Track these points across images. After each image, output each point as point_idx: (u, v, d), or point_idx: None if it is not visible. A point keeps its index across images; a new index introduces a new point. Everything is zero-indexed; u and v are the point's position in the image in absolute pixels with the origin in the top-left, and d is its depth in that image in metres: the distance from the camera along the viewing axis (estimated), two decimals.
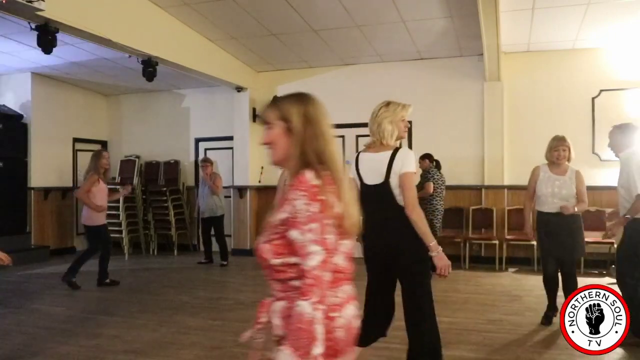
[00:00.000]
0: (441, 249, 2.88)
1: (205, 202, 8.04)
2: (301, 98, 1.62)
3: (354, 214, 1.56)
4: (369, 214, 2.87)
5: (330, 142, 1.58)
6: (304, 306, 1.39)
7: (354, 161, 3.11)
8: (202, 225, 8.40)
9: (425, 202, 6.82)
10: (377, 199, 2.92)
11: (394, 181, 2.88)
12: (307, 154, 1.53)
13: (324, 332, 1.41)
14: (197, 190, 8.44)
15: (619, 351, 3.75)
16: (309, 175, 1.48)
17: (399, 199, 2.88)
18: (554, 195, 4.49)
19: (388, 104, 3.08)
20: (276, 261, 1.50)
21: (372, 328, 3.00)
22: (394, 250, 2.89)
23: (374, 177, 2.96)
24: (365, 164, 3.05)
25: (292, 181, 1.52)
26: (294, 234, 1.45)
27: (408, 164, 2.88)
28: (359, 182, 3.02)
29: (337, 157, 1.58)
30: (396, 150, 2.93)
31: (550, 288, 4.67)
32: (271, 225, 1.54)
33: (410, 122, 8.65)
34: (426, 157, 7.19)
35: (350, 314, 1.58)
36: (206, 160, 8.30)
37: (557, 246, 4.53)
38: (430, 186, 6.87)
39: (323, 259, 1.43)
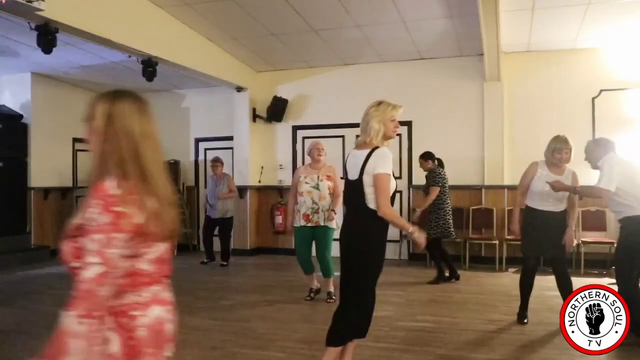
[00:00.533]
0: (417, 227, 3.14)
1: (219, 203, 7.98)
2: (110, 95, 1.54)
3: (168, 219, 1.51)
4: (346, 207, 3.28)
5: (143, 145, 1.49)
6: (67, 318, 1.35)
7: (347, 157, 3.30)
8: (207, 224, 8.31)
9: (437, 205, 6.50)
10: (351, 195, 3.15)
11: (366, 180, 3.00)
12: (108, 157, 1.46)
13: (126, 334, 1.43)
14: (208, 188, 8.30)
15: (620, 351, 3.74)
16: (108, 184, 1.42)
17: (369, 198, 3.00)
18: (550, 195, 4.47)
19: (379, 103, 3.13)
20: (75, 264, 1.46)
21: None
22: (348, 241, 3.12)
23: (353, 174, 3.11)
24: (350, 160, 3.21)
25: (91, 188, 1.45)
26: (83, 241, 1.41)
27: (382, 165, 2.97)
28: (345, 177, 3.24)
29: (153, 161, 1.50)
30: (373, 150, 3.02)
31: (528, 284, 4.67)
32: (71, 228, 1.50)
33: (410, 122, 8.75)
34: (428, 157, 6.76)
35: (157, 315, 1.57)
36: (217, 160, 8.23)
37: (547, 243, 4.53)
38: (436, 191, 6.48)
39: (99, 273, 1.38)
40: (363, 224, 3.06)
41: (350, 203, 3.21)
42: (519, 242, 7.45)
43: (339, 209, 5.34)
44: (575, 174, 4.59)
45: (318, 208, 5.38)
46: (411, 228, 3.07)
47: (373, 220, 3.01)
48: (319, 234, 5.45)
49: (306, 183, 5.44)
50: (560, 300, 4.67)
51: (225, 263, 8.03)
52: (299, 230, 5.48)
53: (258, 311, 5.24)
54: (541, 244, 4.55)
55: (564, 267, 4.59)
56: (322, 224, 5.39)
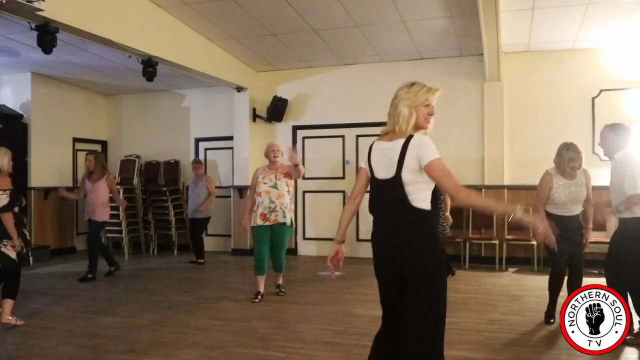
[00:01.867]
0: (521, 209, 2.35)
1: (194, 202, 8.13)
2: None
3: None
4: (378, 213, 2.55)
5: None
6: None
7: (367, 150, 2.67)
8: (190, 225, 8.50)
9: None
10: (387, 197, 2.50)
11: (407, 176, 2.43)
12: None
13: None
14: (189, 190, 8.49)
15: (619, 351, 3.75)
16: None
17: (412, 198, 2.43)
18: (573, 201, 4.58)
19: (412, 84, 2.64)
20: None
21: (384, 348, 2.61)
22: (400, 257, 2.46)
23: (384, 170, 2.52)
24: (377, 154, 2.59)
25: None
26: None
27: (428, 152, 2.41)
28: (369, 175, 2.62)
29: None
30: (409, 138, 2.46)
31: (559, 287, 4.71)
32: None
33: None
34: None
35: None
36: (199, 161, 8.57)
37: (571, 244, 4.61)
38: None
39: None
40: (419, 227, 2.44)
41: (384, 208, 2.53)
42: (519, 242, 7.58)
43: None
44: (587, 171, 4.67)
45: (275, 206, 5.54)
46: (509, 207, 2.41)
47: (429, 222, 2.46)
48: (276, 232, 5.60)
49: (264, 183, 5.62)
50: (560, 300, 4.67)
51: (198, 261, 8.17)
52: (258, 230, 5.59)
53: (258, 311, 5.24)
54: (568, 247, 4.59)
55: (582, 264, 4.68)
56: (280, 221, 5.54)
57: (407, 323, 2.42)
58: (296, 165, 5.62)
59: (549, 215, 4.60)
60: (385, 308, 2.62)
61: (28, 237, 5.11)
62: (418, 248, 2.42)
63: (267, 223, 5.54)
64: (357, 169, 2.76)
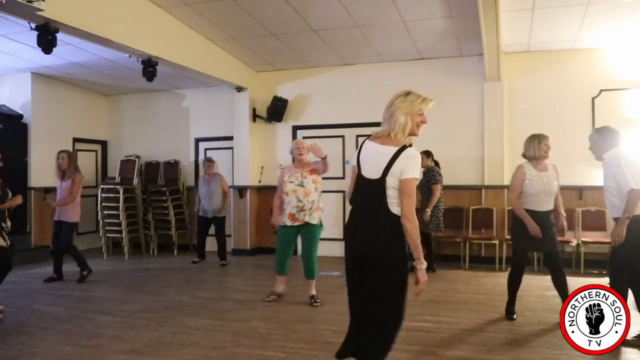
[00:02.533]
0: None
1: (212, 201, 8.05)
2: None
3: None
4: (357, 208, 2.79)
5: None
6: None
7: (358, 148, 2.87)
8: (202, 224, 8.35)
9: (423, 202, 6.99)
10: (368, 195, 2.72)
11: (390, 181, 2.65)
12: None
13: None
14: (198, 189, 8.39)
15: (619, 351, 3.75)
16: None
17: (390, 202, 2.66)
18: (545, 193, 4.62)
19: (407, 93, 2.78)
20: None
21: (348, 339, 2.91)
22: (371, 251, 2.70)
23: (371, 171, 2.71)
24: (367, 153, 2.78)
25: None
26: None
27: (411, 169, 2.64)
28: (357, 171, 2.81)
29: None
30: (402, 148, 2.66)
31: (518, 281, 4.84)
32: None
33: None
34: (429, 154, 7.21)
35: None
36: (211, 159, 8.41)
37: (541, 242, 4.65)
38: (439, 188, 7.02)
39: None
40: (390, 229, 2.68)
41: (367, 205, 2.75)
42: None
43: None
44: (557, 168, 4.76)
45: (303, 206, 5.40)
46: (422, 257, 2.72)
47: (398, 226, 2.67)
48: (305, 231, 5.48)
49: (290, 182, 5.47)
50: (559, 300, 4.68)
51: (225, 262, 8.05)
52: (285, 230, 5.51)
53: (258, 311, 5.24)
54: (535, 243, 4.67)
55: (558, 260, 4.73)
56: (309, 220, 5.42)
57: (368, 311, 2.75)
58: (324, 158, 5.39)
59: (529, 213, 4.67)
60: (350, 298, 2.88)
61: (7, 230, 5.12)
62: (386, 244, 2.69)
63: (295, 223, 5.42)
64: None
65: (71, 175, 6.74)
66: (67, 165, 6.76)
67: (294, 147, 5.60)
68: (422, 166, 7.04)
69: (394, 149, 2.66)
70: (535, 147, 4.65)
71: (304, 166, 5.55)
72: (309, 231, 5.46)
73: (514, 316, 4.81)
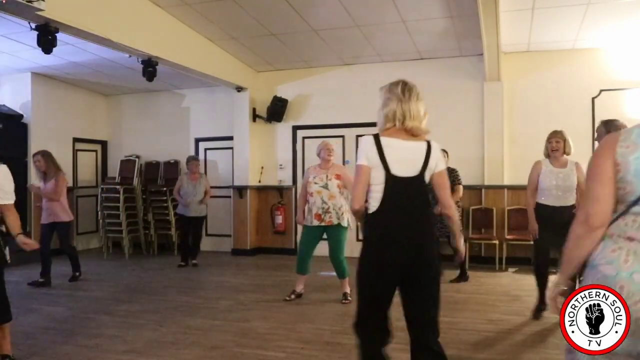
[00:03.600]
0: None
1: (196, 200, 8.01)
2: None
3: None
4: (393, 210, 2.56)
5: None
6: None
7: (373, 146, 2.59)
8: (184, 224, 8.16)
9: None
10: (407, 195, 2.58)
11: (426, 177, 2.63)
12: None
13: None
14: (181, 188, 8.13)
15: None
16: None
17: (428, 197, 2.66)
18: (558, 188, 4.66)
19: (408, 84, 2.74)
20: None
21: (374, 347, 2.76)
22: (427, 252, 2.61)
23: (406, 169, 2.57)
24: (395, 151, 2.58)
25: None
26: None
27: (443, 161, 2.72)
28: (383, 172, 2.57)
29: None
30: (429, 143, 2.67)
31: (544, 280, 4.78)
32: None
33: None
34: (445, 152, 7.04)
35: None
36: (197, 158, 8.41)
37: (559, 238, 4.57)
38: (460, 189, 6.72)
39: None
40: (432, 225, 2.74)
41: (410, 204, 2.58)
42: (519, 242, 7.57)
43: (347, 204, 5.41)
44: (579, 165, 4.71)
45: (328, 207, 5.40)
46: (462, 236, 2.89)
47: (435, 222, 2.84)
48: (331, 233, 5.47)
49: (315, 183, 5.46)
50: (560, 300, 4.67)
51: (196, 262, 8.06)
52: (309, 229, 5.49)
53: (258, 311, 5.24)
54: (551, 239, 4.64)
55: None
56: (335, 222, 5.41)
57: (428, 307, 2.75)
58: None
59: (541, 207, 4.73)
60: (378, 307, 2.70)
61: None
62: (434, 241, 2.76)
63: (322, 224, 5.42)
64: (358, 169, 2.62)
65: (54, 176, 6.60)
66: (46, 166, 6.60)
67: (323, 148, 5.58)
68: None
69: (424, 144, 2.65)
70: (546, 145, 4.84)
71: (329, 168, 5.54)
72: (335, 233, 5.46)
73: (540, 314, 4.74)
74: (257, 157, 9.22)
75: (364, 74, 8.59)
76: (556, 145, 4.72)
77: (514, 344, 4.14)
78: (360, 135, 9.56)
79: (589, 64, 7.66)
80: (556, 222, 4.53)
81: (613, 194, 1.77)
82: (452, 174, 6.84)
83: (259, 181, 9.24)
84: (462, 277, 6.63)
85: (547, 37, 7.29)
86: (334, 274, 5.76)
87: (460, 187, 6.80)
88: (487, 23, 6.21)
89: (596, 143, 7.39)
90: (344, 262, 5.53)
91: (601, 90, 7.58)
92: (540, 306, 4.79)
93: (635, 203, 1.71)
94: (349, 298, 5.48)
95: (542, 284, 4.82)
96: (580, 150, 7.69)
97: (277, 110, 8.90)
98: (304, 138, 9.13)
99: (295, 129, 9.14)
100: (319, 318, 4.95)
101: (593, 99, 7.63)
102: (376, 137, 2.61)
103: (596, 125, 7.44)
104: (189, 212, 8.05)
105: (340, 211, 5.42)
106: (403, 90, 2.66)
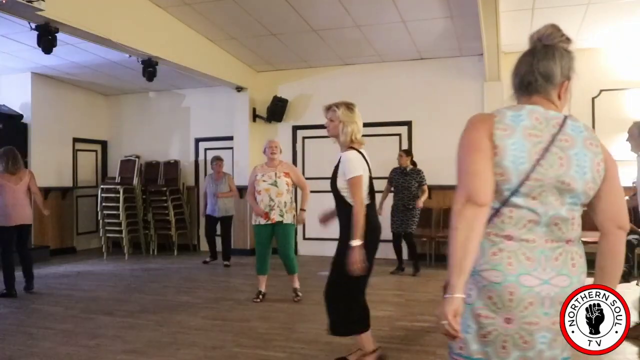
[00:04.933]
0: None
1: (221, 201, 8.01)
2: None
3: None
4: (373, 204, 3.51)
5: None
6: None
7: (361, 159, 3.44)
8: (210, 224, 8.26)
9: (414, 202, 7.02)
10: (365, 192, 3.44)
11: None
12: None
13: None
14: (205, 188, 8.26)
15: (619, 351, 3.74)
16: None
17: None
18: None
19: (350, 105, 3.74)
20: None
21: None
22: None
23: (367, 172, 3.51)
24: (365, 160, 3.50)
25: None
26: None
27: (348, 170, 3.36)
28: (367, 176, 3.43)
29: None
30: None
31: None
32: None
33: (410, 122, 8.76)
34: (409, 153, 7.33)
35: None
36: (220, 158, 8.31)
37: None
38: (426, 188, 7.18)
39: None
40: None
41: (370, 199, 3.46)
42: None
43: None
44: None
45: (274, 205, 5.44)
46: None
47: None
48: (278, 230, 5.52)
49: (264, 181, 5.53)
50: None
51: (228, 263, 8.04)
52: (258, 229, 5.54)
53: (258, 311, 5.24)
54: None
55: None
56: (278, 219, 5.46)
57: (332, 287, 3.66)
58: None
59: None
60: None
61: None
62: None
63: (268, 222, 5.48)
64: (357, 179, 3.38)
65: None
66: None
67: (267, 146, 5.67)
68: (402, 165, 7.17)
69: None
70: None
71: (277, 166, 5.61)
72: (283, 230, 5.52)
73: None
74: (257, 157, 9.19)
75: (364, 74, 8.59)
76: None
77: None
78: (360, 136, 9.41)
79: (589, 64, 7.64)
80: None
81: (492, 172, 1.57)
82: (418, 173, 7.16)
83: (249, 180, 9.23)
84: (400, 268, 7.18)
85: None
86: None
87: (426, 186, 7.15)
88: (487, 23, 6.20)
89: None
90: (294, 259, 5.65)
91: (601, 90, 7.57)
92: None
93: (512, 195, 1.56)
94: (300, 294, 5.62)
95: None
96: None
97: (277, 110, 8.90)
98: (304, 138, 9.13)
99: (296, 129, 9.14)
100: (319, 318, 4.94)
101: (593, 99, 7.62)
102: (359, 152, 3.43)
103: (597, 124, 7.50)
104: (216, 212, 8.06)
105: (285, 208, 5.49)
106: (353, 110, 3.61)
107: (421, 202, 7.06)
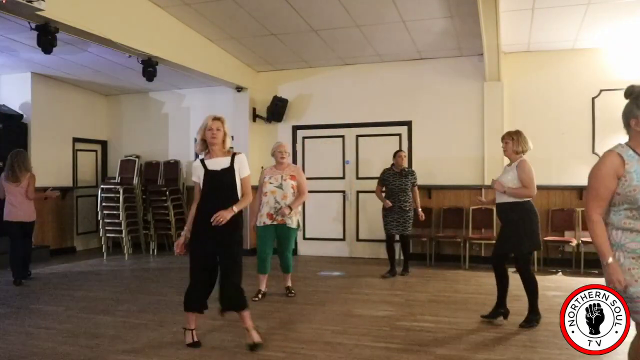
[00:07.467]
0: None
1: None
2: None
3: None
4: None
5: None
6: None
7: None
8: None
9: (411, 204, 7.00)
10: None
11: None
12: None
13: None
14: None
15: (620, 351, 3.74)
16: None
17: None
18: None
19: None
20: None
21: (201, 299, 4.11)
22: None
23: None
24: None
25: None
26: None
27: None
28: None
29: None
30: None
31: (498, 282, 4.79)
32: None
33: (410, 122, 8.74)
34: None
35: None
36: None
37: (499, 238, 4.88)
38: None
39: None
40: None
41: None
42: None
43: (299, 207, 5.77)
44: (523, 161, 4.86)
45: (280, 207, 5.51)
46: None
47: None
48: (281, 232, 5.62)
49: (270, 183, 5.61)
50: (560, 300, 4.67)
51: None
52: (262, 229, 5.61)
53: (258, 311, 5.23)
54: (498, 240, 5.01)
55: (518, 264, 4.76)
56: (285, 222, 5.55)
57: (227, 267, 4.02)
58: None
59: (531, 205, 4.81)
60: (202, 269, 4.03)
61: None
62: None
63: (273, 223, 5.54)
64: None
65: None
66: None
67: (277, 150, 5.73)
68: (401, 166, 7.08)
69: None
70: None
71: (284, 169, 5.67)
72: (286, 233, 5.63)
73: (495, 317, 4.76)
74: (257, 157, 9.21)
75: (364, 74, 8.60)
76: (504, 146, 4.91)
77: (514, 344, 4.14)
78: (360, 136, 9.61)
79: (588, 64, 7.66)
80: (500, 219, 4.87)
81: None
82: (412, 174, 7.16)
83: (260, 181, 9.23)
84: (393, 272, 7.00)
85: (547, 37, 7.29)
86: (335, 273, 5.78)
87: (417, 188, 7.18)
88: (487, 23, 6.21)
89: (597, 145, 7.43)
90: (290, 260, 5.79)
91: (601, 90, 7.58)
92: (501, 309, 4.73)
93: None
94: (293, 292, 5.77)
95: (500, 290, 4.77)
96: (580, 149, 7.75)
97: (277, 110, 8.90)
98: (304, 138, 9.13)
99: (296, 129, 9.14)
100: (319, 318, 4.95)
101: (593, 99, 7.62)
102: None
103: (596, 124, 7.51)
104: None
105: (292, 212, 5.55)
106: None
107: (419, 204, 7.11)
